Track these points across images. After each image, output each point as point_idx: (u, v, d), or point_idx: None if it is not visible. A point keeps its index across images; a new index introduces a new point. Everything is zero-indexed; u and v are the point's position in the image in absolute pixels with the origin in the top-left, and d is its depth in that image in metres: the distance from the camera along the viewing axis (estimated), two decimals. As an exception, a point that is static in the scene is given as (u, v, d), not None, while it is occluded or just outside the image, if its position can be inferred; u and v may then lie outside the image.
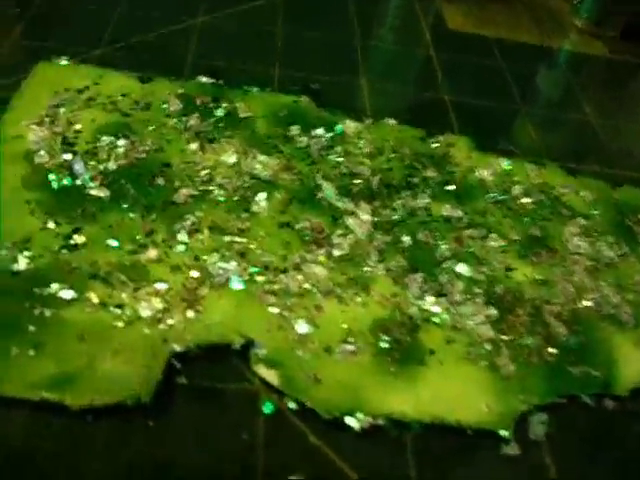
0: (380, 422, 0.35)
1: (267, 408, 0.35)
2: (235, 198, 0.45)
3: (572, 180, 0.53)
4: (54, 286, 0.38)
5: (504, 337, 0.40)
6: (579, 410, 0.38)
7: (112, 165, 0.45)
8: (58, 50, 0.55)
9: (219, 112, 0.51)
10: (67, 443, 0.33)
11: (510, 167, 0.52)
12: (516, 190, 0.50)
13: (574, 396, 0.39)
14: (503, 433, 0.36)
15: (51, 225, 0.41)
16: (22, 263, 0.39)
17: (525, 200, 0.49)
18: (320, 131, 0.51)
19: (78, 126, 0.48)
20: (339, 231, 0.44)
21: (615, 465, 0.37)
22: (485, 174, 0.50)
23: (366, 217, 0.45)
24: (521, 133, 0.58)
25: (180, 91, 0.53)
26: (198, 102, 0.52)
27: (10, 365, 0.34)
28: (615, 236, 0.48)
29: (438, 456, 0.35)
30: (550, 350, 0.40)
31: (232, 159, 0.47)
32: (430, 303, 0.40)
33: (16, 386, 0.33)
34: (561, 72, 0.69)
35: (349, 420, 0.35)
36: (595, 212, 0.50)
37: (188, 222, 0.42)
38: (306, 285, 0.40)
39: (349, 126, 0.52)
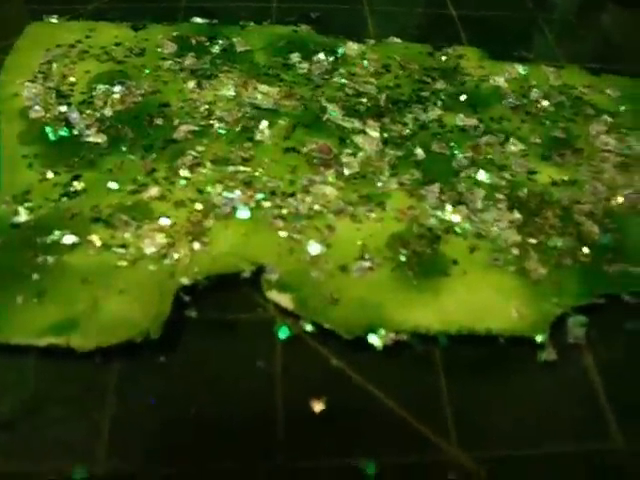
0: (404, 338, 0.33)
1: (283, 333, 0.33)
2: (237, 129, 0.43)
3: (594, 79, 0.49)
4: (56, 233, 0.36)
5: (532, 240, 0.37)
6: (619, 309, 0.36)
7: (108, 111, 0.44)
8: (49, 10, 0.53)
9: (215, 49, 0.49)
10: (77, 386, 0.31)
11: (526, 72, 0.49)
12: (534, 94, 0.47)
13: (613, 295, 0.36)
14: (538, 338, 0.34)
15: (50, 175, 0.40)
16: (22, 215, 0.37)
17: (544, 103, 0.46)
18: (321, 56, 0.48)
19: (72, 79, 0.46)
20: (348, 150, 0.41)
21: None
22: (500, 81, 0.47)
23: (375, 134, 0.42)
24: (536, 40, 0.55)
25: (174, 34, 0.51)
26: (193, 42, 0.50)
27: (16, 314, 0.33)
28: (645, 130, 0.45)
29: (469, 368, 0.33)
30: (583, 250, 0.37)
31: (231, 92, 0.45)
32: (450, 213, 0.38)
33: (23, 333, 0.32)
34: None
35: (371, 338, 0.33)
36: (622, 108, 0.47)
37: (189, 157, 0.40)
38: (316, 206, 0.38)
39: (351, 48, 0.49)
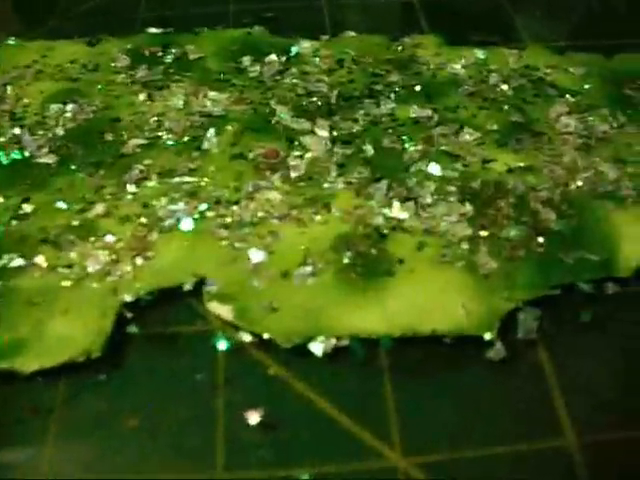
0: (345, 343, 0.32)
1: (223, 345, 0.33)
2: (185, 139, 0.42)
3: (558, 59, 0.47)
4: (5, 257, 0.36)
5: (483, 233, 0.36)
6: (576, 299, 0.34)
7: (60, 131, 0.44)
8: (8, 30, 0.54)
9: (168, 58, 0.49)
10: (21, 409, 0.31)
11: (485, 56, 0.47)
12: (493, 78, 0.45)
13: (569, 285, 0.35)
14: (486, 336, 0.32)
15: (0, 200, 0.40)
16: (-28, 241, 0.38)
17: (504, 87, 0.45)
18: (273, 57, 0.48)
19: (26, 100, 0.47)
20: (296, 152, 0.40)
21: (617, 352, 0.33)
22: (457, 68, 0.46)
23: (324, 133, 0.41)
24: (502, 22, 0.53)
25: (128, 46, 0.50)
26: (147, 53, 0.50)
27: (-39, 341, 0.33)
28: (610, 108, 0.43)
29: (414, 370, 0.32)
30: (538, 240, 0.36)
31: (181, 102, 0.45)
32: (397, 209, 0.37)
33: (-32, 360, 0.32)
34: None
35: (311, 346, 0.32)
36: (586, 87, 0.45)
37: (136, 171, 0.40)
38: (260, 213, 0.37)
39: (304, 46, 0.48)
